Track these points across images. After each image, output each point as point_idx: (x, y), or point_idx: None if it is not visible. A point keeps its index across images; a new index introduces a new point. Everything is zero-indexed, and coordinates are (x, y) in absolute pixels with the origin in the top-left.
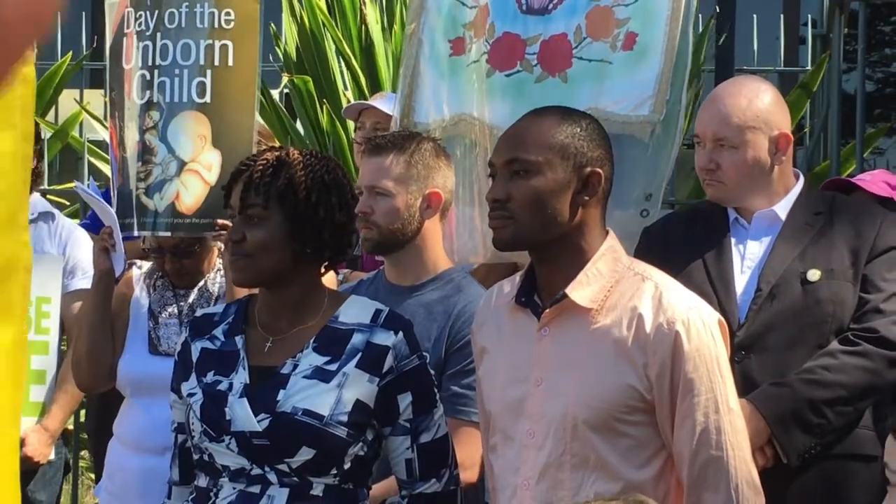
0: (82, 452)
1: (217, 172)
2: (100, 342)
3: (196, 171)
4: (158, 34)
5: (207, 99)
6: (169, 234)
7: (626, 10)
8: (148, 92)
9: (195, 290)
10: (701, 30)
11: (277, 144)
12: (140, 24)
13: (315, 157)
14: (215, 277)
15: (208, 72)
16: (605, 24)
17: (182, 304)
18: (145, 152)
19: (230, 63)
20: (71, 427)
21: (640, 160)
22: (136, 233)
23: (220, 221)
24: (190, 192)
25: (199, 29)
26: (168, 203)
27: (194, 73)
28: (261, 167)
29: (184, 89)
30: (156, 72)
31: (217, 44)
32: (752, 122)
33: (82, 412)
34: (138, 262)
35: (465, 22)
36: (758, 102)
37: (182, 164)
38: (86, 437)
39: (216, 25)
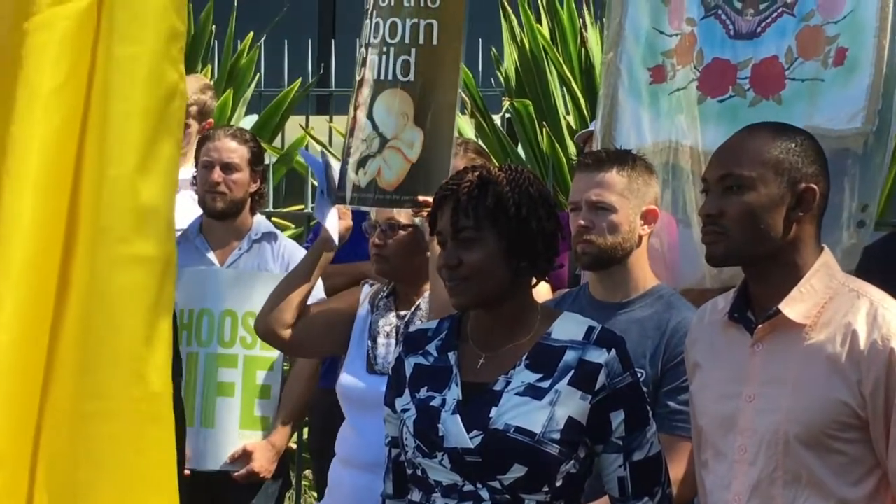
0: (305, 472)
1: (418, 150)
2: (288, 293)
3: (398, 149)
4: (374, 12)
5: (411, 77)
6: (369, 208)
7: (835, 27)
8: (362, 69)
9: (411, 309)
10: None
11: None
12: (367, 3)
13: (516, 172)
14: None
15: (413, 50)
16: (816, 43)
17: (399, 324)
18: (355, 128)
19: (434, 42)
20: (294, 446)
21: (854, 172)
22: (346, 206)
23: (421, 198)
24: (392, 169)
25: (405, 7)
26: (370, 179)
27: (400, 52)
28: (466, 188)
29: (389, 67)
30: (369, 49)
31: (422, 23)
32: None
33: (305, 431)
34: (370, 281)
35: (665, 50)
36: None
37: (385, 141)
38: (308, 456)
39: (422, 4)
